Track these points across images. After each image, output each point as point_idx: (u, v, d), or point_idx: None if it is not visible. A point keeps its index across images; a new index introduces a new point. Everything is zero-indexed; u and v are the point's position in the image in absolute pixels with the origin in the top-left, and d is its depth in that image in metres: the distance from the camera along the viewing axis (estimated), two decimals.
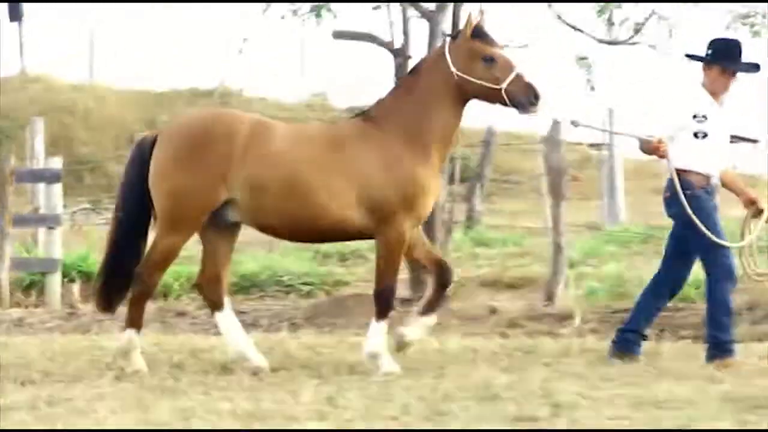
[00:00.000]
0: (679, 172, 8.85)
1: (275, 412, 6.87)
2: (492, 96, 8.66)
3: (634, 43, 13.65)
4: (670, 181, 8.91)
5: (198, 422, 6.67)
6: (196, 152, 8.55)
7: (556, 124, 12.94)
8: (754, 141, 38.75)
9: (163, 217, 8.69)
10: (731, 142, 9.56)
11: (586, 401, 7.04)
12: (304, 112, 33.64)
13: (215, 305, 8.83)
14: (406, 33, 12.66)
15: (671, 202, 8.93)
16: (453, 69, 8.67)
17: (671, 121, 8.94)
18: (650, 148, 8.83)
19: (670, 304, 11.93)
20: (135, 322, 8.71)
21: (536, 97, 8.59)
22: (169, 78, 32.49)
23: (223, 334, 8.86)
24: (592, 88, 14.01)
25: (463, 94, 8.75)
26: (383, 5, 12.85)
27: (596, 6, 12.90)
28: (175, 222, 8.63)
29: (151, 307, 11.88)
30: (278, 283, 14.36)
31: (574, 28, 13.22)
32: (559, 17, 13.12)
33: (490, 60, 8.65)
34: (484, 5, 12.48)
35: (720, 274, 8.85)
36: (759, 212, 9.05)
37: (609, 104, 22.62)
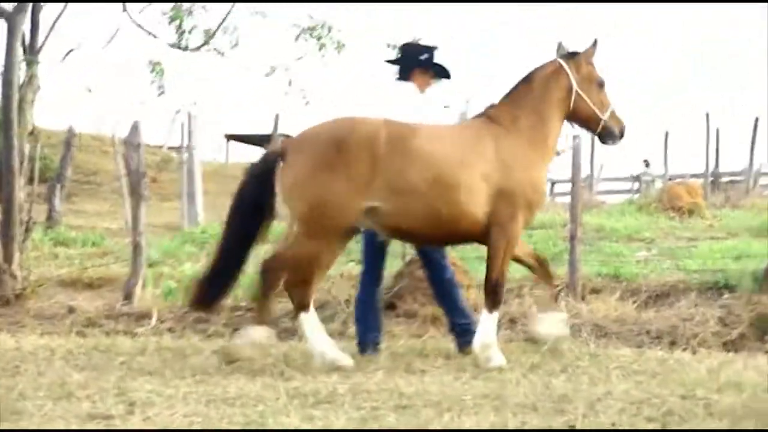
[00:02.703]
0: None
1: None
2: (590, 119, 8.97)
3: (199, 49, 13.96)
4: None
5: None
6: (336, 161, 8.21)
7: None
8: None
9: (302, 225, 8.37)
10: None
11: (160, 398, 7.10)
12: None
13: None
14: None
15: None
16: (575, 85, 8.83)
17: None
18: None
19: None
20: (304, 305, 8.51)
21: (625, 132, 9.02)
22: None
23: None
24: (162, 93, 14.24)
25: (568, 110, 8.91)
26: None
27: (169, 12, 13.12)
28: (314, 230, 8.31)
29: None
30: None
31: (148, 32, 13.39)
32: (133, 20, 13.28)
33: (602, 86, 8.95)
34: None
35: (448, 268, 9.31)
36: None
37: (185, 107, 22.85)
